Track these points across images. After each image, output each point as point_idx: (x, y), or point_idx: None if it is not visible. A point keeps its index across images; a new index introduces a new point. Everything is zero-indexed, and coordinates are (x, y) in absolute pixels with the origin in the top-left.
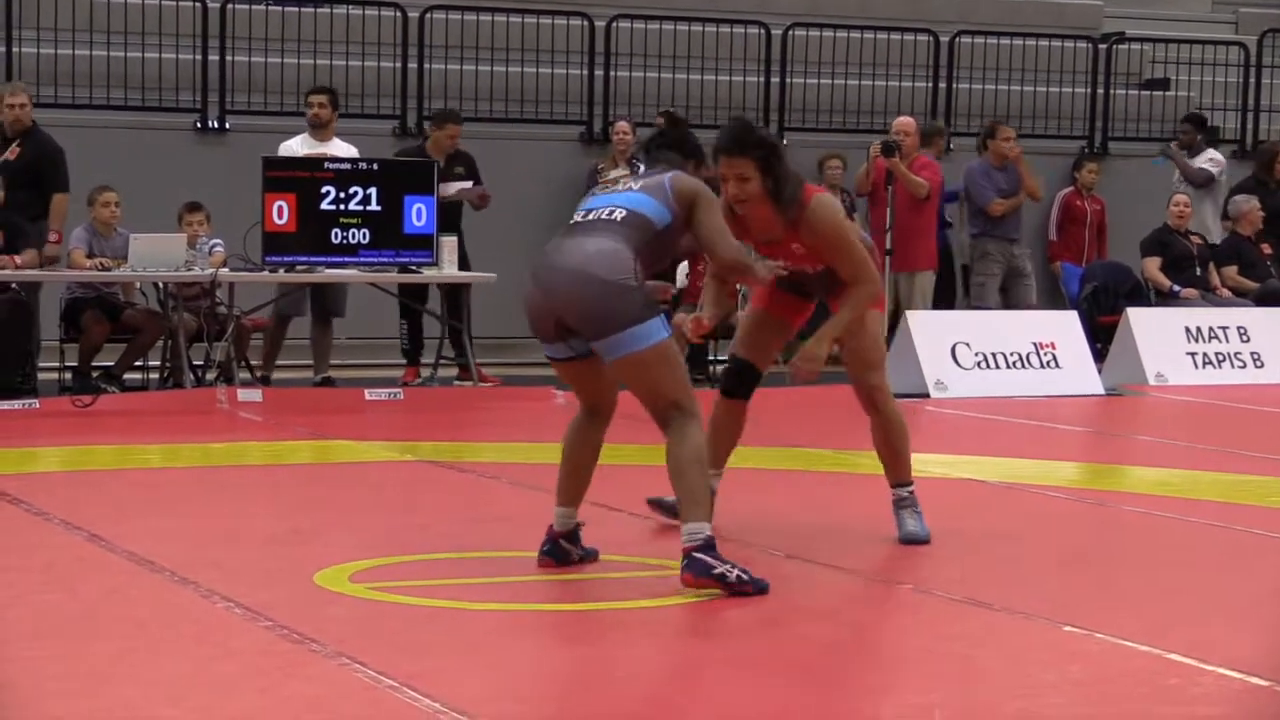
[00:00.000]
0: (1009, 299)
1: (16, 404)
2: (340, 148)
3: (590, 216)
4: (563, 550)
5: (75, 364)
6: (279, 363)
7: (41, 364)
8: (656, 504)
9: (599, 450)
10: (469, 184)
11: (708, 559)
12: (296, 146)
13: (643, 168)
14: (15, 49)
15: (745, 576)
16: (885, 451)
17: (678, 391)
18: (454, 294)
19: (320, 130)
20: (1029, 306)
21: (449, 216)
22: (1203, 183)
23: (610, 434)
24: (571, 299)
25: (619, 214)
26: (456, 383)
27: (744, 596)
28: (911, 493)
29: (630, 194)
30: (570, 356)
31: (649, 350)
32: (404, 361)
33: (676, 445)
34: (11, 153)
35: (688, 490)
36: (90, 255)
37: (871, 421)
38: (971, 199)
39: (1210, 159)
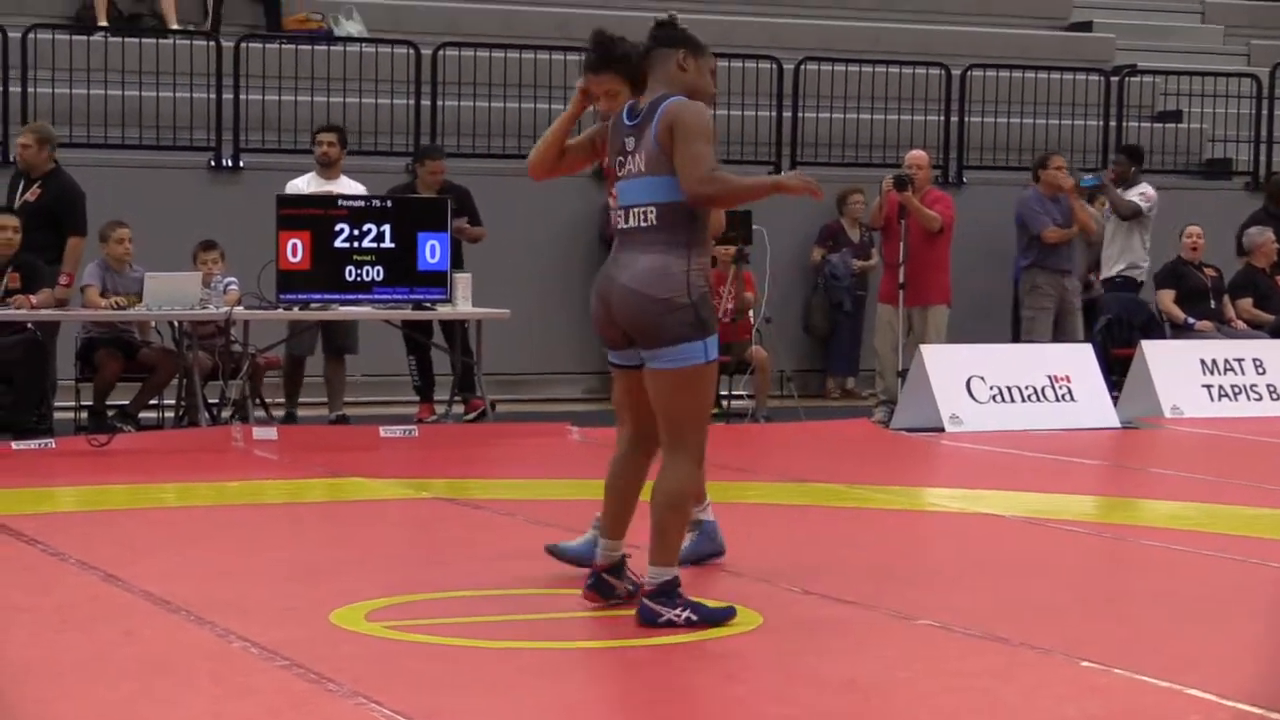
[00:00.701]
0: (1056, 333)
1: (33, 444)
2: (348, 185)
3: (630, 220)
4: (607, 584)
5: (91, 403)
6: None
7: (57, 403)
8: (553, 551)
9: (643, 482)
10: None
11: (655, 607)
12: (303, 185)
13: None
14: (30, 89)
15: (695, 617)
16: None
17: (688, 426)
18: (464, 329)
19: (328, 169)
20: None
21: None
22: (1129, 215)
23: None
24: (626, 313)
25: (651, 214)
26: (464, 418)
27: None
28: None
29: (644, 181)
30: (637, 364)
31: (681, 370)
32: (419, 399)
33: (660, 480)
34: (31, 194)
35: (657, 530)
36: (104, 292)
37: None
38: (1025, 227)
39: (1141, 193)
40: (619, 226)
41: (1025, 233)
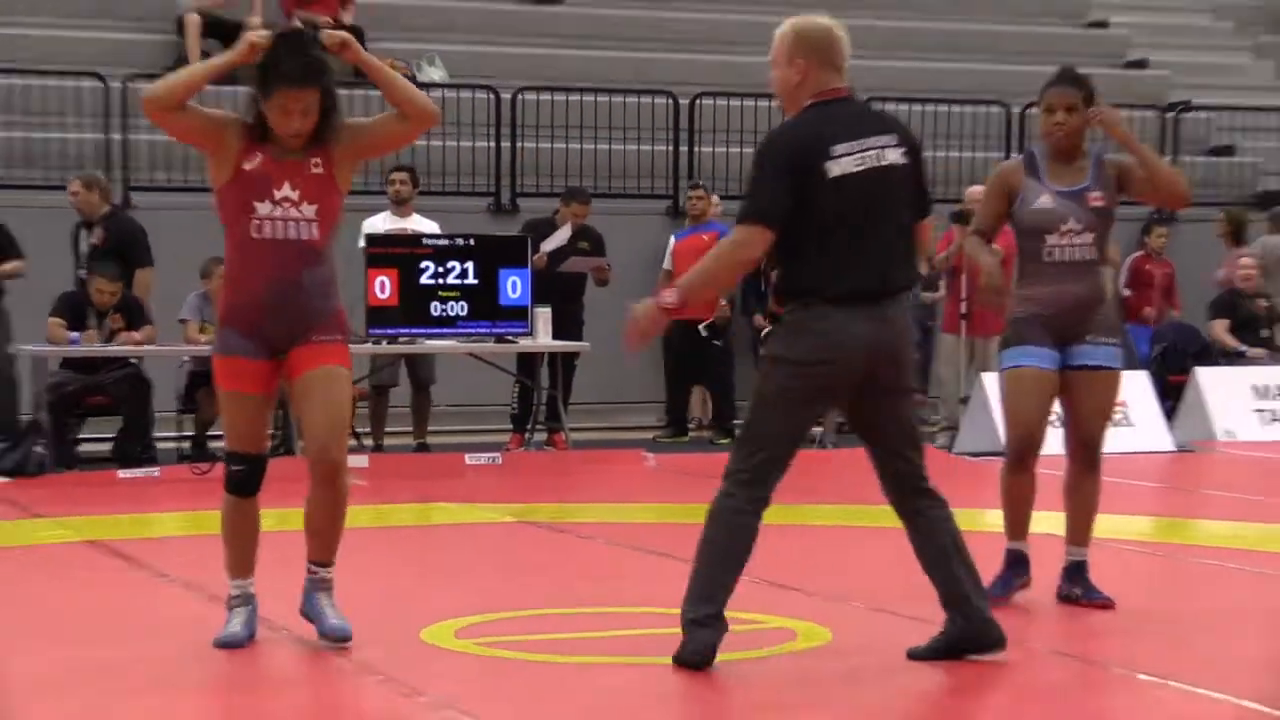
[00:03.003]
0: None
1: (139, 472)
2: (420, 222)
3: None
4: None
5: (193, 434)
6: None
7: (162, 433)
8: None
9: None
10: (586, 255)
11: None
12: (379, 223)
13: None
14: (131, 136)
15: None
16: (326, 524)
17: None
18: (563, 363)
19: (401, 205)
20: None
21: (571, 287)
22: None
23: (683, 493)
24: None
25: None
26: (546, 447)
27: None
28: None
29: None
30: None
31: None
32: (503, 427)
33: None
34: (96, 238)
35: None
36: (203, 326)
37: (323, 495)
38: None
39: None
40: None
41: None
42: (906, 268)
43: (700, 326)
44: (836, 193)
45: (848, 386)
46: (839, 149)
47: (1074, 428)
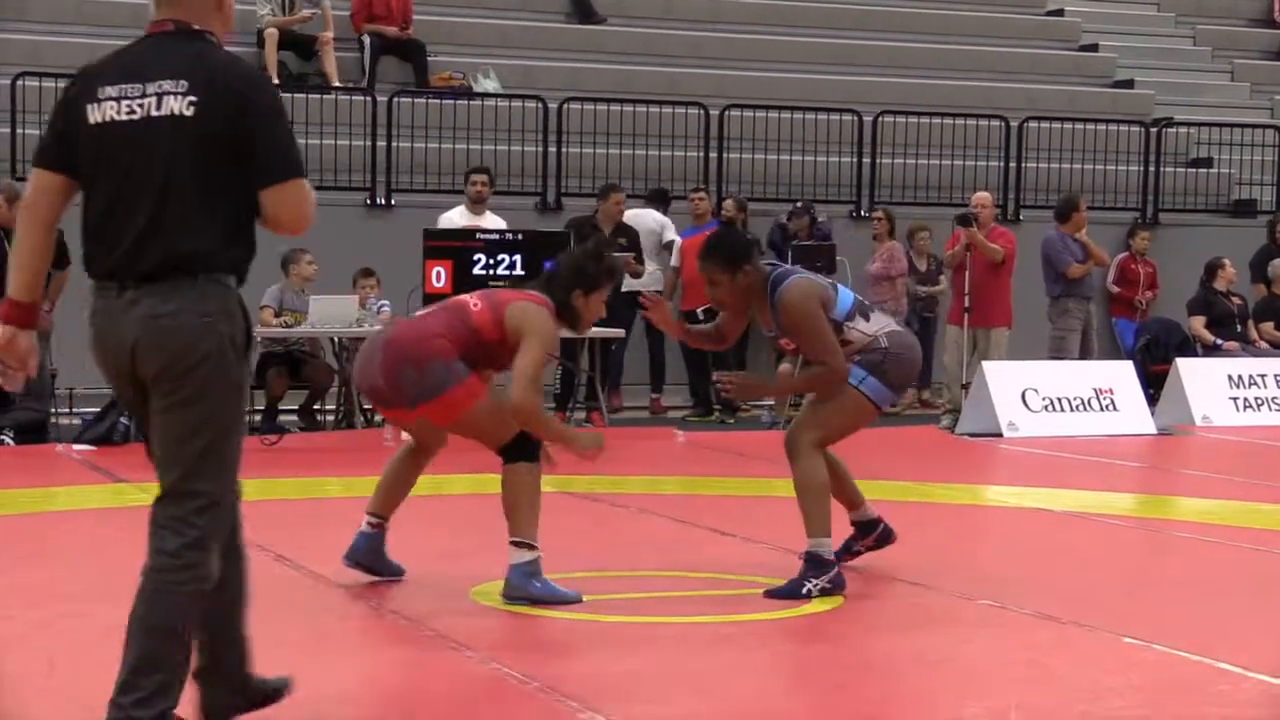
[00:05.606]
0: (1082, 350)
1: None
2: (492, 220)
3: None
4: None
5: (262, 409)
6: None
7: None
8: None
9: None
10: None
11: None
12: (456, 218)
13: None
14: None
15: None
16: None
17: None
18: (601, 347)
19: (479, 205)
20: (1093, 355)
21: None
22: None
23: (709, 467)
24: None
25: None
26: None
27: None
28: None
29: None
30: None
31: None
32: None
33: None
34: None
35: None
36: (278, 312)
37: None
38: (1051, 264)
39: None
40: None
41: (1052, 268)
42: (181, 246)
43: (698, 311)
44: (94, 144)
45: (126, 385)
46: (108, 90)
47: None
